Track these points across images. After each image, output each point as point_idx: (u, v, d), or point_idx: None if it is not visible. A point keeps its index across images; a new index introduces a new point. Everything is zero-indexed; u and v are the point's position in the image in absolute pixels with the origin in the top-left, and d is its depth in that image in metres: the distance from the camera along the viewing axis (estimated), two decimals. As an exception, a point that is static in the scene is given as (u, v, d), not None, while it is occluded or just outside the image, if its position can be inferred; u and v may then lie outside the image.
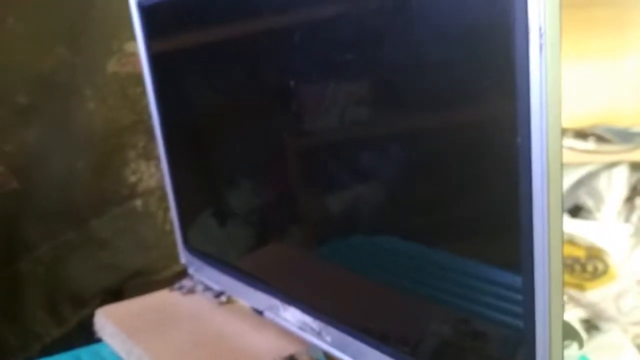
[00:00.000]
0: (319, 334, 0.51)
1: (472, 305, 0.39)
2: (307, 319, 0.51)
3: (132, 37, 0.88)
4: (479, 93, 0.33)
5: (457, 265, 0.40)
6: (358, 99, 0.45)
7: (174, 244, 0.75)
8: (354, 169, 0.46)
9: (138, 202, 0.97)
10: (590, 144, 1.13)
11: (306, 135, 0.51)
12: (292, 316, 0.53)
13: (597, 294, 1.03)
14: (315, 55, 0.46)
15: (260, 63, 0.52)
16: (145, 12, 0.63)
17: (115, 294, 0.94)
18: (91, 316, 0.67)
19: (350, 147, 0.46)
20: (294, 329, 0.53)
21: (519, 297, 0.34)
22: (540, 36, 0.28)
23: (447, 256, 0.41)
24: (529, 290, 0.33)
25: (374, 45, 0.40)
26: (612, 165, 1.13)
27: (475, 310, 0.39)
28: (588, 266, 1.07)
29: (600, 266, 1.07)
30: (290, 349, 0.53)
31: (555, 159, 0.30)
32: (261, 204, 0.60)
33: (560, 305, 0.33)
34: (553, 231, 0.31)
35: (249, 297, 0.59)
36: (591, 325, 1.00)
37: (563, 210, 0.32)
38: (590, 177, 1.14)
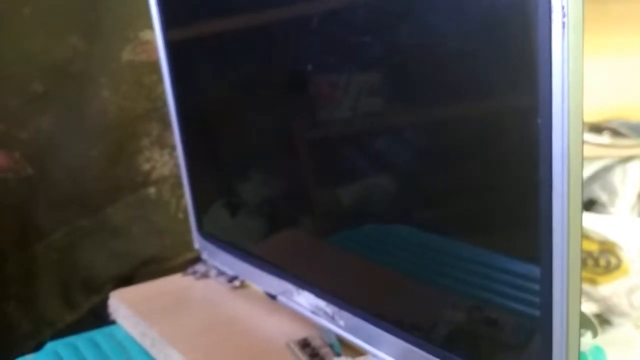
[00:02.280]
0: (332, 318, 0.51)
1: (487, 293, 0.39)
2: (321, 303, 0.52)
3: (148, 26, 0.89)
4: (498, 73, 0.33)
5: (473, 253, 0.40)
6: (374, 86, 0.45)
7: (186, 232, 0.75)
8: (372, 157, 0.46)
9: (151, 190, 0.97)
10: (605, 138, 1.12)
11: (322, 124, 0.51)
12: (305, 300, 0.53)
13: (610, 288, 1.02)
14: (332, 43, 0.46)
15: (276, 52, 0.52)
16: (163, -2, 0.63)
17: (128, 281, 0.95)
18: (103, 303, 0.67)
19: (367, 135, 0.46)
20: (307, 313, 0.53)
21: (536, 286, 0.33)
22: (564, 15, 0.28)
23: (464, 245, 0.40)
24: (546, 279, 0.32)
25: (391, 30, 0.40)
26: (627, 159, 1.12)
27: (490, 297, 0.39)
28: (601, 260, 1.07)
29: (613, 260, 1.07)
30: (303, 332, 0.53)
31: (576, 142, 0.29)
32: (276, 191, 0.60)
33: (577, 295, 0.32)
34: (572, 219, 0.30)
35: (262, 281, 0.59)
36: (603, 320, 0.99)
37: (583, 198, 0.32)
38: (605, 171, 1.13)
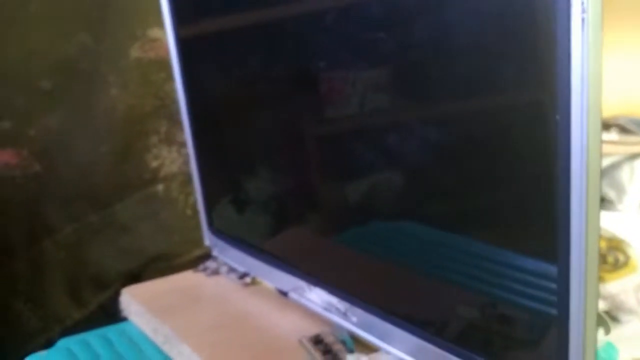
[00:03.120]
0: (344, 315, 0.51)
1: (502, 290, 0.39)
2: (333, 300, 0.52)
3: (156, 23, 0.89)
4: (517, 69, 0.33)
5: (489, 251, 0.39)
6: (387, 83, 0.45)
7: (194, 229, 0.75)
8: (386, 154, 0.46)
9: (160, 187, 0.97)
10: (613, 135, 1.12)
11: (332, 121, 0.51)
12: (317, 297, 0.53)
13: (618, 285, 1.02)
14: (342, 39, 0.46)
15: (285, 49, 0.52)
16: (174, -5, 0.63)
17: (136, 278, 0.95)
18: (111, 299, 0.67)
19: (380, 132, 0.46)
20: (319, 309, 0.54)
21: (554, 285, 0.33)
22: (583, 11, 0.28)
23: (479, 242, 0.40)
24: (564, 278, 0.32)
25: (406, 25, 0.40)
26: (634, 156, 1.12)
27: (505, 295, 0.39)
28: (609, 257, 1.06)
29: (621, 257, 1.06)
30: (315, 329, 0.53)
31: (595, 139, 0.29)
32: (286, 188, 0.60)
33: (595, 294, 0.32)
34: (591, 217, 0.30)
35: (274, 278, 0.59)
36: (611, 317, 0.99)
37: (601, 194, 0.31)
38: (613, 168, 1.12)
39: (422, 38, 0.39)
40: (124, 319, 0.65)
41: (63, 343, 0.61)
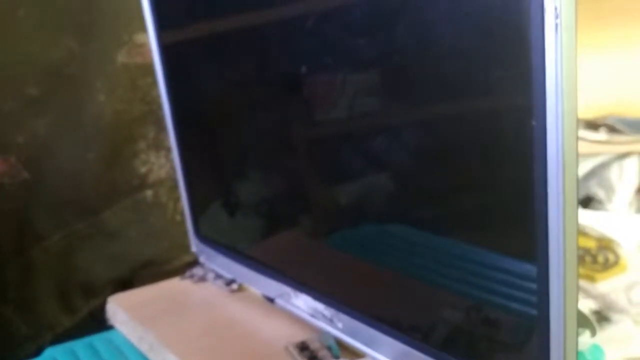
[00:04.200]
0: (330, 321, 0.51)
1: (484, 293, 0.39)
2: (319, 306, 0.51)
3: (142, 28, 0.88)
4: (493, 75, 0.33)
5: (470, 253, 0.39)
6: (370, 86, 0.45)
7: (184, 235, 0.75)
8: (368, 157, 0.46)
9: (148, 193, 0.97)
10: (602, 135, 1.12)
11: (318, 124, 0.51)
12: (303, 303, 0.53)
13: (608, 285, 1.02)
14: (327, 43, 0.46)
15: (271, 53, 0.52)
16: (156, 1, 0.63)
17: (126, 284, 0.94)
18: (102, 306, 0.67)
19: (363, 135, 0.46)
20: (305, 316, 0.53)
21: (534, 285, 0.33)
22: (556, 16, 0.28)
23: (461, 244, 0.40)
24: (543, 278, 0.32)
25: (386, 30, 0.40)
26: (623, 155, 1.12)
27: (487, 297, 0.39)
28: (599, 257, 1.07)
29: (611, 257, 1.07)
30: (301, 335, 0.53)
31: (571, 141, 0.30)
32: (273, 193, 0.60)
33: (574, 293, 0.32)
34: (568, 219, 0.30)
35: (260, 284, 0.59)
36: (601, 317, 0.99)
37: (578, 197, 0.32)
38: (602, 167, 1.13)
39: (402, 45, 0.39)
40: (112, 327, 0.65)
41: (49, 352, 0.61)
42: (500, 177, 0.36)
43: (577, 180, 0.31)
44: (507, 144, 0.34)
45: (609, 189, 1.10)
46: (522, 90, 0.30)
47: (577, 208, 0.31)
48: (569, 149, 0.29)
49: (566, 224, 0.31)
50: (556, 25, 0.28)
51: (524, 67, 0.29)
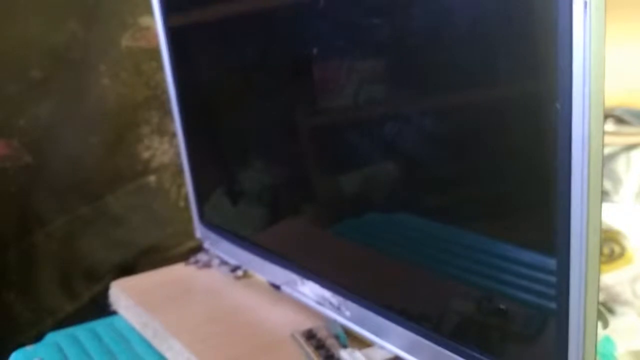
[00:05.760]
0: (338, 309, 0.50)
1: (499, 284, 0.38)
2: (326, 294, 0.51)
3: (147, 12, 0.87)
4: (517, 56, 0.32)
5: (486, 244, 0.38)
6: (379, 73, 0.44)
7: (187, 220, 0.74)
8: (380, 144, 0.45)
9: (152, 178, 0.96)
10: (609, 126, 1.11)
11: (326, 111, 0.50)
12: (310, 291, 0.53)
13: (613, 277, 1.02)
14: (336, 28, 0.45)
15: (277, 37, 0.51)
16: (163, -19, 0.62)
17: (129, 270, 0.94)
18: (104, 292, 0.67)
19: (376, 122, 0.45)
20: (312, 303, 0.53)
21: (553, 278, 0.32)
22: (586, -5, 0.26)
23: (476, 234, 0.39)
24: (563, 271, 0.31)
25: (402, 12, 0.39)
26: (630, 147, 1.11)
27: (502, 288, 0.38)
28: (604, 249, 1.06)
29: (617, 249, 1.06)
30: (307, 323, 0.52)
31: (598, 128, 0.28)
32: (278, 179, 0.59)
33: (596, 288, 0.31)
34: (592, 209, 0.29)
35: (266, 271, 0.58)
36: (606, 309, 0.99)
37: (602, 184, 0.30)
38: (609, 159, 1.12)
39: (418, 26, 0.38)
40: (115, 312, 0.64)
41: (51, 337, 0.60)
42: (520, 164, 0.34)
43: (602, 169, 0.29)
44: (530, 129, 0.33)
45: (616, 180, 1.09)
46: (546, 72, 0.29)
47: (602, 199, 0.30)
48: (595, 134, 0.28)
49: (590, 214, 0.29)
50: (585, 3, 0.26)
51: (549, 47, 0.28)
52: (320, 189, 0.54)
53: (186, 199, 0.94)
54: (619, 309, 0.98)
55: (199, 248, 0.70)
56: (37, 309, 0.91)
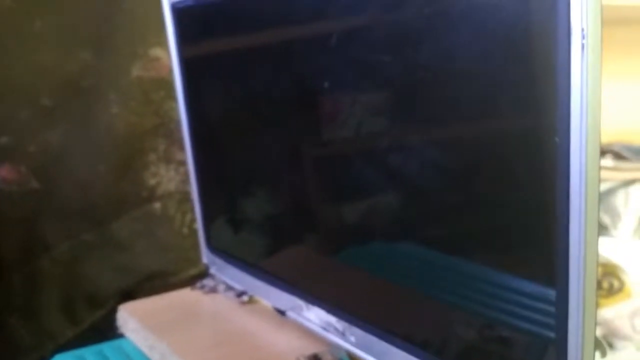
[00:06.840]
0: (342, 334, 0.51)
1: (501, 313, 0.39)
2: (331, 319, 0.52)
3: (158, 43, 0.90)
4: (518, 93, 0.34)
5: (488, 274, 0.40)
6: (383, 105, 0.45)
7: (191, 247, 0.75)
8: (384, 175, 0.46)
9: (157, 205, 0.97)
10: (608, 161, 1.13)
11: (331, 143, 0.52)
12: (315, 316, 0.54)
13: (612, 311, 1.02)
14: (342, 63, 0.47)
15: (287, 71, 0.53)
16: (178, 14, 0.64)
17: (131, 296, 0.94)
18: (105, 317, 0.67)
19: (380, 153, 0.47)
20: (317, 329, 0.54)
21: (552, 308, 0.33)
22: (583, 37, 0.28)
23: (478, 265, 0.40)
24: (562, 301, 0.32)
25: (407, 50, 0.41)
26: (629, 182, 1.13)
27: (503, 318, 0.39)
28: (603, 283, 1.06)
29: (615, 283, 1.07)
30: (313, 348, 0.53)
31: (594, 161, 0.30)
32: (285, 207, 0.60)
33: (593, 318, 0.32)
34: (590, 240, 0.30)
35: (272, 297, 0.59)
36: (606, 343, 0.99)
37: (599, 217, 0.32)
38: (607, 194, 1.14)
39: (421, 62, 0.40)
40: (117, 337, 0.65)
41: (58, 359, 0.61)
42: (520, 196, 0.36)
43: (599, 201, 0.31)
44: (529, 163, 0.34)
45: (615, 215, 1.11)
46: (546, 108, 0.31)
47: (598, 231, 0.31)
48: (591, 168, 0.30)
49: (587, 246, 0.31)
50: (582, 45, 0.28)
51: (549, 86, 0.30)
52: (326, 217, 0.56)
53: (190, 227, 0.95)
54: (618, 343, 0.99)
55: (200, 275, 0.71)
56: (38, 334, 0.91)
